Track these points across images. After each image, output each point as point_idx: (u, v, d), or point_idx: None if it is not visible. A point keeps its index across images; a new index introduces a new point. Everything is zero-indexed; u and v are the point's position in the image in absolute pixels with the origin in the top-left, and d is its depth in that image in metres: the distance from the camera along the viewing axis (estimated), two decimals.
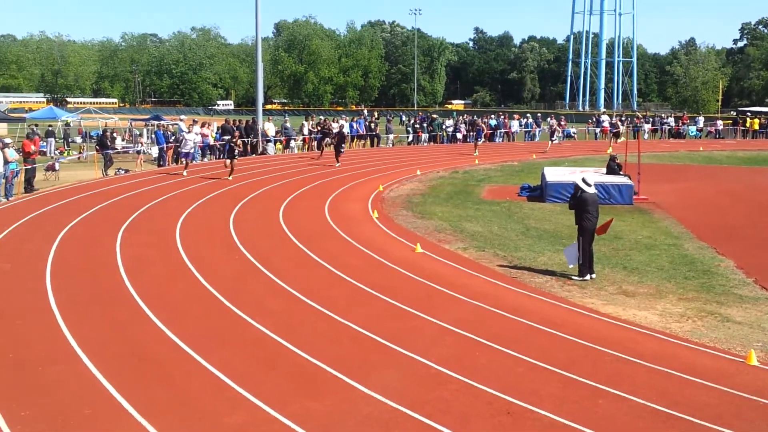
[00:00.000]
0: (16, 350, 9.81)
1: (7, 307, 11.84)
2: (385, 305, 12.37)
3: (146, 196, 24.06)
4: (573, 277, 14.33)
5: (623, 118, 63.63)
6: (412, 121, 56.73)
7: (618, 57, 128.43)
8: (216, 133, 37.88)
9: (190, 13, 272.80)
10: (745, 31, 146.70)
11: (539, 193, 25.88)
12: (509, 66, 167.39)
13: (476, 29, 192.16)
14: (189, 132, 32.14)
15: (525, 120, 58.96)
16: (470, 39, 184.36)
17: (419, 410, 8.09)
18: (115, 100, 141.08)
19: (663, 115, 69.69)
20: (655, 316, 12.09)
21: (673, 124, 61.98)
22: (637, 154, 26.81)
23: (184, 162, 30.88)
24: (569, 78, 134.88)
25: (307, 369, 9.34)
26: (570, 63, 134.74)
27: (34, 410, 7.95)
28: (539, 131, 57.85)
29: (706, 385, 9.07)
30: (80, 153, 37.82)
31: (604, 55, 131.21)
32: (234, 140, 30.04)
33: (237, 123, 40.22)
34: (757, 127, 61.76)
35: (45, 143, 38.56)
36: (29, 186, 25.09)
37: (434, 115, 61.44)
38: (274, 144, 41.98)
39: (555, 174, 25.89)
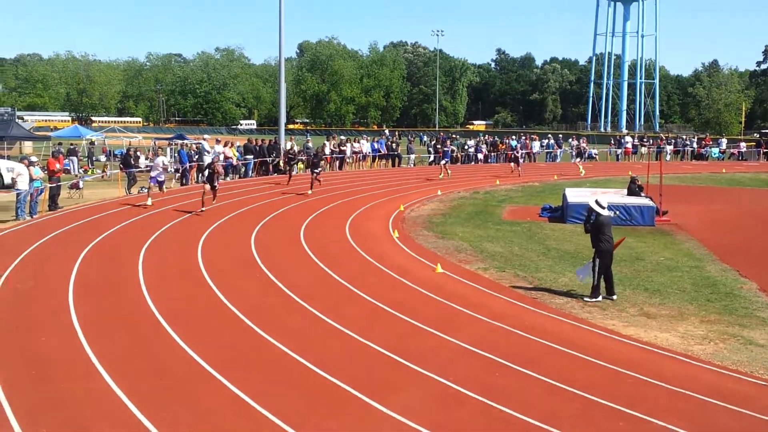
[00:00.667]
0: (38, 366, 9.89)
1: (30, 323, 11.94)
2: (404, 324, 12.36)
3: (169, 215, 24.22)
4: (585, 298, 14.27)
5: (645, 140, 63.44)
6: (433, 142, 56.80)
7: (640, 78, 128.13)
8: (238, 153, 38.15)
9: (215, 33, 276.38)
10: None
11: (560, 214, 25.81)
12: (531, 87, 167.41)
13: (498, 50, 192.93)
14: (159, 156, 29.41)
15: (546, 141, 58.88)
16: (492, 60, 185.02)
17: (438, 431, 8.07)
18: (139, 119, 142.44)
19: (685, 137, 69.41)
20: (677, 338, 12.00)
21: (695, 145, 61.69)
22: (659, 176, 26.70)
23: (147, 189, 27.64)
24: (591, 99, 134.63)
25: (326, 388, 9.34)
26: (592, 84, 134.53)
27: (54, 425, 8.01)
28: (560, 152, 57.76)
29: (729, 409, 8.98)
30: (104, 171, 38.18)
31: (626, 76, 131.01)
32: (213, 167, 26.26)
33: (258, 142, 40.45)
34: None
35: (68, 161, 38.93)
36: (53, 204, 25.33)
37: (453, 136, 61.43)
38: (297, 164, 42.13)
39: (576, 195, 25.82)
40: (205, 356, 10.36)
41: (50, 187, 25.51)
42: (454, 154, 51.33)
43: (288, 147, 38.77)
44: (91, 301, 13.38)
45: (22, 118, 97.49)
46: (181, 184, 33.93)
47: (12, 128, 48.31)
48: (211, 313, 12.80)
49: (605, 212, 14.62)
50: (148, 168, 39.83)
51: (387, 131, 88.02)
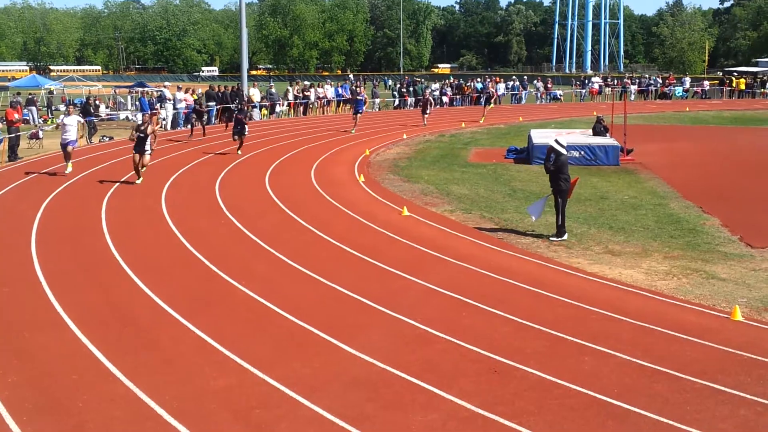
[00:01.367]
0: (2, 317, 9.78)
1: None
2: (371, 268, 12.37)
3: (131, 163, 23.86)
4: (552, 239, 14.36)
5: (609, 80, 63.62)
6: (398, 86, 56.42)
7: (605, 19, 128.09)
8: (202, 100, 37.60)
9: None
10: None
11: (526, 155, 25.86)
12: (495, 29, 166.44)
13: None
14: (69, 115, 21.99)
15: (512, 83, 58.77)
16: (456, 2, 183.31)
17: (406, 370, 8.12)
18: (98, 67, 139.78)
19: (649, 76, 69.64)
20: (641, 275, 12.14)
21: (659, 85, 61.93)
22: (623, 115, 26.80)
23: (64, 153, 21.74)
24: (556, 40, 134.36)
25: (293, 331, 9.34)
26: (556, 25, 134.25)
27: (20, 376, 7.93)
28: (525, 94, 57.73)
29: (691, 341, 9.14)
30: None
31: (591, 16, 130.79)
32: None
33: (221, 89, 39.92)
34: (743, 87, 61.89)
35: (27, 111, 38.14)
36: (13, 155, 24.87)
37: (417, 79, 61.06)
38: (260, 110, 41.69)
39: (541, 136, 25.84)
40: (171, 303, 10.30)
41: (9, 138, 25.00)
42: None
43: (197, 96, 35.05)
44: (54, 251, 13.21)
45: None
46: None
47: None
48: (177, 259, 12.71)
49: (565, 152, 14.63)
50: (110, 117, 39.26)
51: (351, 76, 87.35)
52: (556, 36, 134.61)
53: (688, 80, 65.37)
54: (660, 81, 63.56)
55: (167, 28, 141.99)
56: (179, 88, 37.93)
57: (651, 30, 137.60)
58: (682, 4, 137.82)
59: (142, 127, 19.76)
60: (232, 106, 38.47)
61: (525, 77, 63.86)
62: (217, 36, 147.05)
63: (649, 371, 8.20)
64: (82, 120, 22.52)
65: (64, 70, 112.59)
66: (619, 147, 24.88)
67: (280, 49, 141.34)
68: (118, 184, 20.00)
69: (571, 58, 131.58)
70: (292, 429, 6.89)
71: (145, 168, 20.13)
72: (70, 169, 21.39)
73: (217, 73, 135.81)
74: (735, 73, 75.82)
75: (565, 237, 14.34)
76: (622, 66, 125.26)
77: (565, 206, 14.52)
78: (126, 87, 52.53)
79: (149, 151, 19.92)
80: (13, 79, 78.61)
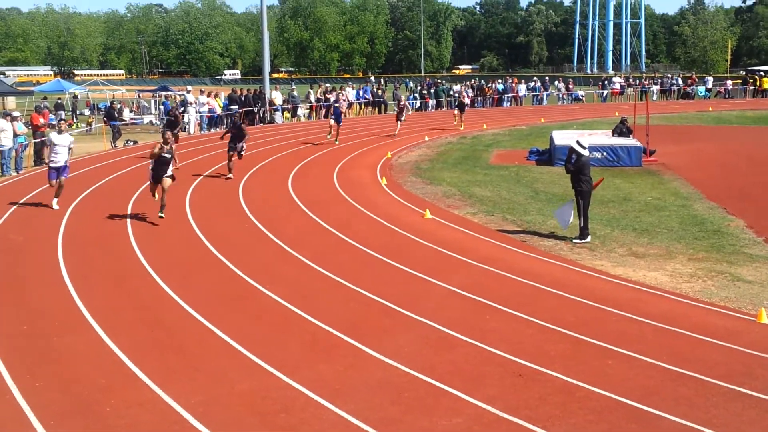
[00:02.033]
0: (30, 322, 9.90)
1: (21, 279, 11.93)
2: (394, 270, 12.41)
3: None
4: (575, 240, 14.33)
5: (631, 80, 63.27)
6: (419, 88, 56.42)
7: (626, 18, 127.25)
8: (224, 103, 37.86)
9: None
10: None
11: (548, 157, 25.79)
12: (516, 30, 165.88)
13: None
14: (61, 132, 17.60)
15: (533, 84, 58.61)
16: (476, 3, 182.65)
17: (430, 374, 8.15)
18: (122, 71, 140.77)
19: (671, 76, 69.18)
20: (665, 277, 12.09)
21: (681, 84, 61.49)
22: (646, 116, 26.66)
23: (51, 183, 17.69)
24: (577, 40, 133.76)
25: (318, 335, 9.40)
26: (577, 25, 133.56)
27: (48, 381, 8.04)
28: (546, 95, 57.55)
29: (716, 344, 9.10)
30: (89, 125, 37.80)
31: (611, 16, 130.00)
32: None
33: (243, 92, 40.12)
34: (766, 86, 61.18)
35: (54, 116, 38.52)
36: (39, 159, 25.13)
37: (438, 81, 61.00)
38: (282, 113, 41.85)
39: (563, 137, 25.74)
40: (197, 306, 10.39)
41: (35, 143, 25.27)
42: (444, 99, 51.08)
43: (173, 106, 32.13)
44: (80, 254, 13.35)
45: (4, 74, 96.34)
46: None
47: None
48: (202, 263, 12.81)
49: (586, 152, 14.60)
50: (134, 121, 39.56)
51: (372, 78, 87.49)
52: (577, 36, 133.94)
53: (710, 80, 64.84)
54: (682, 81, 63.09)
55: (189, 32, 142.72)
56: (202, 92, 38.20)
57: (673, 29, 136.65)
58: (704, 3, 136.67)
59: (167, 147, 15.75)
60: (255, 109, 38.63)
61: (546, 78, 63.58)
62: (239, 39, 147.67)
63: (674, 374, 8.17)
64: (73, 145, 17.94)
65: (88, 75, 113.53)
66: (642, 148, 24.75)
67: (301, 52, 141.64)
68: (142, 188, 20.15)
69: (592, 58, 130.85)
70: None
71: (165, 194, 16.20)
72: (56, 206, 17.32)
73: (239, 77, 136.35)
74: (758, 72, 75.08)
75: (589, 239, 14.31)
76: (644, 66, 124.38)
77: (588, 208, 14.48)
78: (149, 91, 52.87)
79: (171, 175, 16.14)
80: (38, 83, 79.37)
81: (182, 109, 34.79)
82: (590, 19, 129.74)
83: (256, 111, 39.36)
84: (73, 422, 7.13)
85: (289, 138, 32.38)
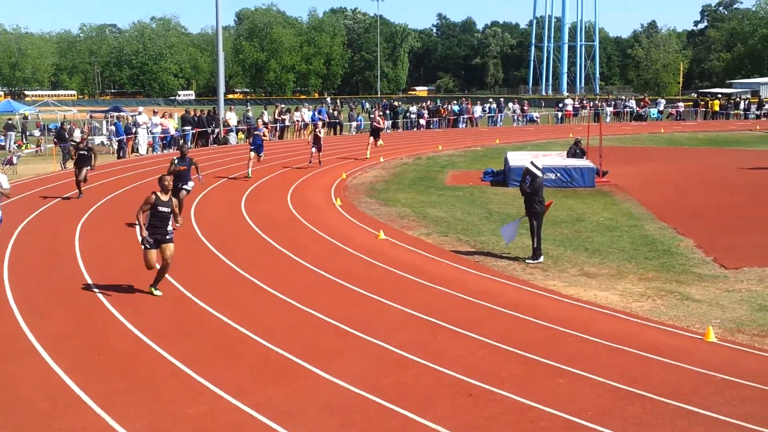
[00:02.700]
0: None
1: None
2: (347, 292, 12.35)
3: (107, 187, 23.77)
4: (528, 261, 14.43)
5: (585, 101, 64.15)
6: (374, 108, 56.55)
7: (580, 41, 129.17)
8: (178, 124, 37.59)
9: (150, 2, 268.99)
10: (706, 13, 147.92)
11: (502, 177, 25.97)
12: (472, 51, 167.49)
13: (439, 15, 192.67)
14: None
15: (488, 105, 59.13)
16: (433, 25, 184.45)
17: (381, 395, 8.09)
18: (74, 92, 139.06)
19: (625, 98, 70.27)
20: (616, 296, 12.20)
21: (635, 106, 62.49)
22: (599, 137, 27.00)
23: None
24: (532, 63, 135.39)
25: (268, 357, 9.29)
26: (533, 48, 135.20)
27: None
28: (501, 116, 58.06)
29: (665, 363, 9.18)
30: (38, 146, 37.22)
31: (566, 39, 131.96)
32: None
33: (197, 113, 39.88)
34: (717, 108, 62.47)
35: (4, 137, 37.89)
36: None
37: (395, 103, 61.22)
38: (236, 134, 41.66)
39: (518, 158, 25.97)
40: (146, 330, 10.21)
41: None
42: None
43: (78, 134, 30.44)
44: (27, 278, 13.08)
45: None
46: (118, 157, 33.26)
47: None
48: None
49: (541, 174, 14.74)
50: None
51: (329, 99, 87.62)
52: (532, 58, 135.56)
53: (662, 102, 66.01)
54: (635, 103, 64.13)
55: (143, 52, 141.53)
56: (155, 113, 37.90)
57: (626, 52, 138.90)
58: (657, 26, 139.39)
59: (166, 197, 12.18)
60: (209, 129, 38.41)
61: (501, 99, 64.18)
62: (194, 60, 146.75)
63: (624, 393, 8.22)
64: (8, 187, 15.68)
65: (39, 95, 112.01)
66: (595, 169, 25.05)
67: (257, 73, 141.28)
68: (92, 209, 19.85)
69: (547, 80, 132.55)
70: None
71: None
72: None
73: (193, 97, 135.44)
74: (709, 95, 76.65)
75: (541, 259, 14.40)
76: (597, 88, 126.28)
77: (541, 229, 14.59)
78: (101, 111, 52.33)
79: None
80: None
81: (134, 130, 34.44)
82: (545, 42, 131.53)
83: (210, 132, 39.11)
84: None
85: (243, 159, 32.12)
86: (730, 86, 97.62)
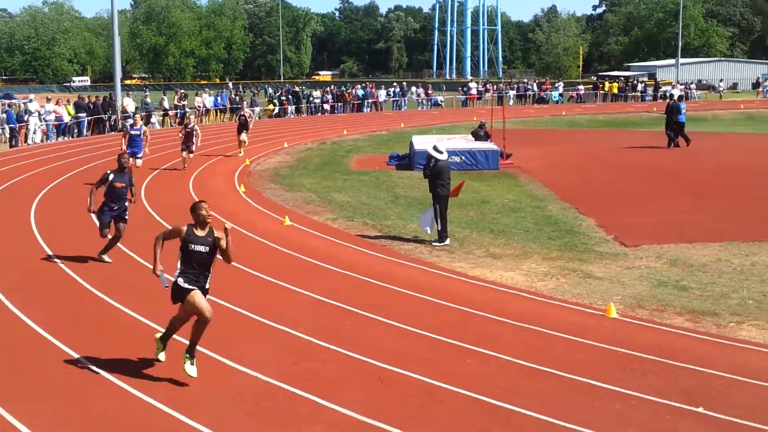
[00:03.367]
0: None
1: None
2: (253, 279, 12.16)
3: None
4: (434, 244, 14.50)
5: (488, 85, 65.03)
6: (278, 94, 56.03)
7: (483, 25, 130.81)
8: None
9: None
10: None
11: (407, 161, 26.06)
12: (376, 36, 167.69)
13: None
14: None
15: (393, 89, 59.28)
16: (336, 9, 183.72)
17: (290, 381, 7.99)
18: None
19: (527, 81, 71.58)
20: (521, 276, 12.38)
21: (536, 90, 63.69)
22: (503, 120, 27.37)
23: None
24: (436, 47, 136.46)
25: (173, 348, 9.03)
26: (436, 32, 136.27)
27: None
28: (406, 100, 58.30)
29: (570, 339, 9.36)
30: None
31: (469, 23, 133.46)
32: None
33: (92, 100, 38.63)
34: (615, 90, 64.31)
35: None
36: None
37: (297, 89, 60.64)
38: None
39: (423, 142, 26.07)
40: (45, 325, 9.80)
41: None
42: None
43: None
44: None
45: None
46: (11, 146, 31.95)
47: None
48: (48, 278, 12.13)
49: (443, 157, 14.82)
50: None
51: (230, 84, 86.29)
52: (436, 42, 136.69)
53: (561, 85, 67.48)
54: (537, 86, 65.37)
55: (36, 38, 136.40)
56: (48, 100, 36.56)
57: (528, 36, 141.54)
58: (557, 11, 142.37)
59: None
60: (105, 116, 37.35)
61: (405, 83, 64.41)
62: (89, 44, 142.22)
63: (529, 370, 8.35)
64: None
65: None
66: (499, 151, 25.40)
67: (155, 58, 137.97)
68: None
69: (451, 64, 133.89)
70: None
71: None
72: None
73: (89, 83, 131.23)
74: (608, 78, 78.75)
75: (447, 242, 14.50)
76: (500, 71, 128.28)
77: (446, 211, 14.68)
78: None
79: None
80: None
81: (25, 118, 33.13)
82: (448, 26, 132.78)
83: (106, 118, 37.97)
84: None
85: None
86: (627, 69, 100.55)
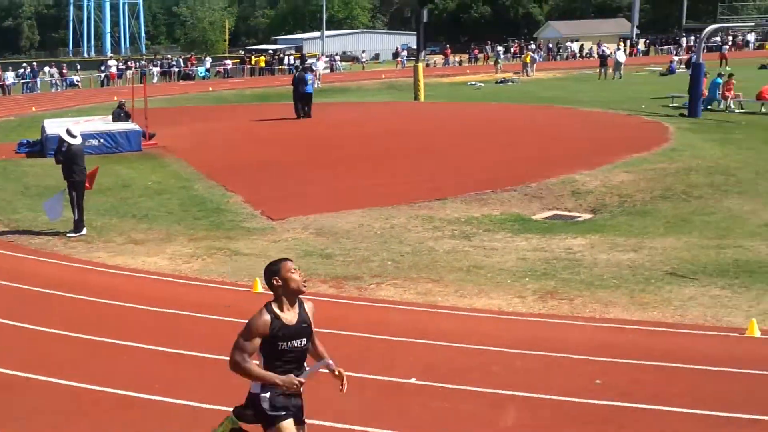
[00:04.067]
0: None
1: None
2: None
3: None
4: (69, 235, 13.61)
5: (130, 62, 62.79)
6: None
7: None
8: None
9: None
10: None
11: (39, 148, 24.15)
12: (3, 13, 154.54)
13: None
14: None
15: (22, 70, 54.87)
16: None
17: None
18: None
19: (171, 57, 70.13)
20: (165, 261, 12.03)
21: (182, 65, 62.56)
22: (144, 99, 26.34)
23: None
24: (71, 23, 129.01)
25: None
26: (72, 7, 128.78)
27: None
28: (38, 82, 54.30)
29: (212, 319, 9.19)
30: None
31: None
32: None
33: None
34: (263, 64, 65.02)
35: None
36: None
37: None
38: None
39: (56, 126, 24.27)
40: None
41: None
42: None
43: None
44: None
45: None
46: None
47: None
48: None
49: (77, 141, 13.92)
50: None
51: None
52: (71, 18, 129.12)
53: (209, 60, 66.94)
54: (183, 62, 64.18)
55: None
56: None
57: (172, 10, 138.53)
58: None
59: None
60: None
61: (35, 63, 59.76)
62: None
63: (174, 356, 8.03)
64: None
65: None
66: (141, 132, 24.43)
67: None
68: None
69: (89, 41, 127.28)
70: None
71: None
72: None
73: None
74: (254, 52, 79.44)
75: (84, 231, 13.66)
76: (144, 47, 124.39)
77: (82, 199, 13.79)
78: None
79: None
80: None
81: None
82: (85, 1, 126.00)
83: None
84: None
85: None
86: (275, 42, 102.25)
